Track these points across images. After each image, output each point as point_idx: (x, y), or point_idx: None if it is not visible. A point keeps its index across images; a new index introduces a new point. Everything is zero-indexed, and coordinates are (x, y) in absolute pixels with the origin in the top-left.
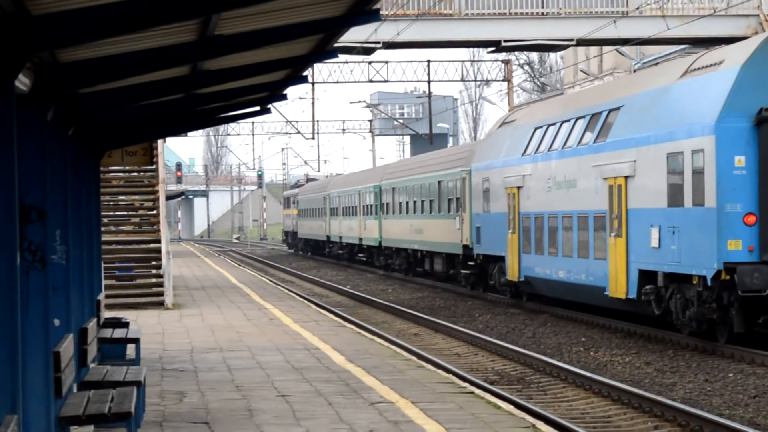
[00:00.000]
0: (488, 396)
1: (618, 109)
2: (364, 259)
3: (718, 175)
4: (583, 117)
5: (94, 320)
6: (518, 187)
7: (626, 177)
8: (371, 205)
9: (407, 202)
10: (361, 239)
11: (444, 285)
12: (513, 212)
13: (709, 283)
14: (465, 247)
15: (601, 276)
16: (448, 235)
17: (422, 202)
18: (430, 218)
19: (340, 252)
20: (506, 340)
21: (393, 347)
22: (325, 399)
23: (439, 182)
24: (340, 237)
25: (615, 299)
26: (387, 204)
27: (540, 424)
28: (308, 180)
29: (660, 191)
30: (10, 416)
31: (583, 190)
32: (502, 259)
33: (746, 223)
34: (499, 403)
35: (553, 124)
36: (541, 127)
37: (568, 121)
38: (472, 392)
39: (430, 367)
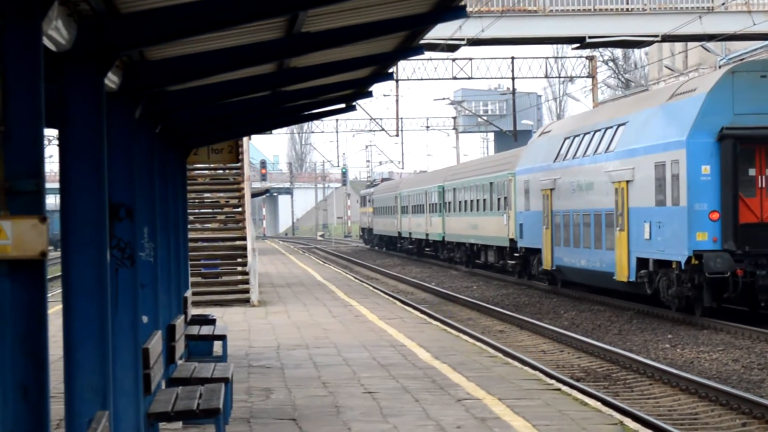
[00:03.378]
0: (575, 393)
1: (624, 124)
2: (433, 253)
3: (689, 180)
4: (599, 130)
5: (182, 317)
6: (551, 189)
7: (627, 181)
8: (436, 204)
9: (466, 201)
10: (427, 234)
11: (527, 282)
12: (547, 211)
13: (683, 267)
14: (511, 240)
15: (610, 263)
16: (497, 230)
17: (477, 201)
18: (483, 215)
19: (410, 246)
20: (592, 337)
21: (479, 344)
22: (411, 396)
23: (491, 183)
24: (410, 233)
25: (620, 282)
26: (449, 202)
27: (627, 421)
28: (383, 180)
29: (650, 193)
30: (101, 412)
31: (597, 192)
32: (539, 251)
33: (711, 219)
34: (586, 399)
35: (579, 135)
36: (569, 137)
37: (589, 133)
38: (559, 389)
39: (516, 363)
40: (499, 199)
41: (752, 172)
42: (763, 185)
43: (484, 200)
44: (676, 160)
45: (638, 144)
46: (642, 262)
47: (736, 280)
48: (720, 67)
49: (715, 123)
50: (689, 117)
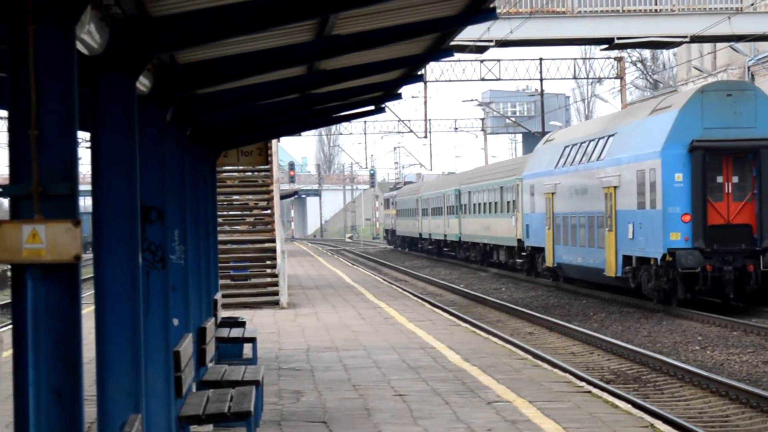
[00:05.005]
0: (605, 395)
1: (613, 135)
2: (452, 253)
3: (664, 186)
4: (593, 140)
5: (212, 320)
6: (552, 193)
7: (615, 187)
8: (453, 206)
9: (479, 204)
10: (445, 235)
11: (555, 283)
12: (549, 213)
13: (659, 263)
14: (519, 240)
15: (601, 260)
16: (507, 230)
17: (489, 203)
18: (495, 217)
19: (430, 247)
20: (622, 339)
21: (508, 346)
22: (441, 398)
23: (501, 187)
24: (430, 234)
25: (609, 277)
26: (465, 205)
27: (658, 424)
28: (405, 183)
29: (633, 197)
30: (134, 416)
31: (591, 196)
32: (543, 249)
33: (683, 220)
34: (617, 402)
35: (576, 144)
36: (568, 146)
37: (585, 142)
38: (589, 391)
39: (546, 366)
40: (508, 202)
41: (720, 179)
42: (729, 191)
43: (495, 203)
44: (653, 169)
45: (624, 153)
46: (627, 259)
47: (705, 274)
48: (749, 68)
49: (686, 136)
50: (664, 130)
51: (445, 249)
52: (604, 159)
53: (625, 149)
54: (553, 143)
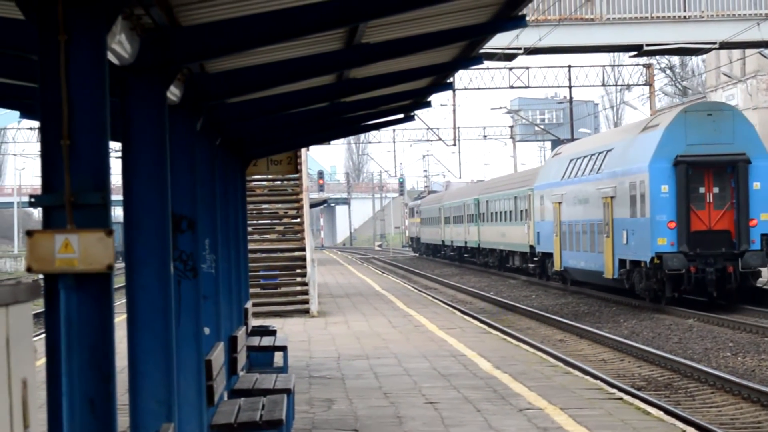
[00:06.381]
0: (637, 402)
1: (610, 150)
2: (473, 259)
3: (651, 197)
4: (594, 154)
5: (243, 328)
6: (559, 203)
7: (611, 197)
8: (473, 215)
9: (496, 212)
10: (466, 242)
11: (587, 290)
12: (556, 221)
13: (649, 265)
14: (531, 246)
15: (601, 264)
16: (520, 237)
17: (504, 212)
18: (510, 225)
19: (452, 253)
20: (652, 346)
21: (539, 353)
22: (473, 406)
23: (515, 197)
24: (452, 241)
25: (608, 279)
26: (483, 213)
27: (690, 430)
28: (429, 192)
29: (626, 207)
30: (166, 425)
31: (592, 206)
32: (552, 255)
33: (669, 227)
34: (649, 409)
35: (580, 157)
36: (573, 159)
37: (587, 156)
38: (621, 398)
39: (577, 373)
40: (521, 211)
41: (702, 190)
42: (711, 200)
43: (510, 212)
44: (643, 181)
45: (619, 167)
46: (622, 262)
47: (690, 275)
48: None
49: (671, 152)
50: (652, 147)
51: (465, 255)
52: (603, 172)
53: (620, 163)
54: (560, 156)
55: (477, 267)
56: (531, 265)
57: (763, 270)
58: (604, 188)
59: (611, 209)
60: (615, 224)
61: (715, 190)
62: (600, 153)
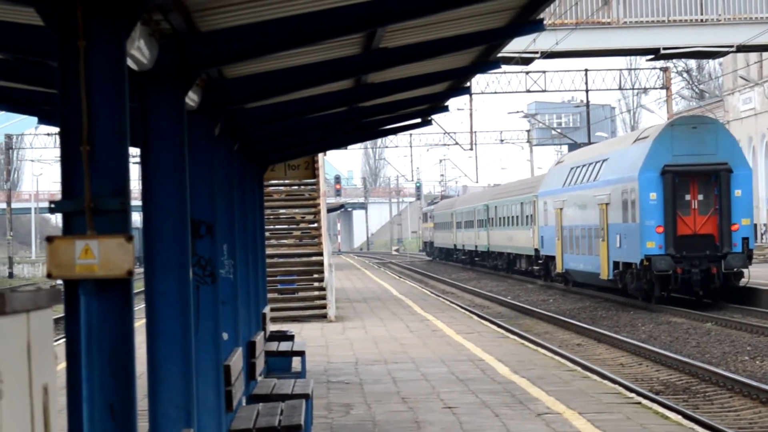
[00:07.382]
0: (655, 406)
1: (606, 159)
2: (484, 263)
3: (641, 203)
4: (592, 163)
5: (261, 333)
6: (560, 208)
7: (606, 204)
8: (483, 219)
9: (504, 217)
10: (476, 246)
11: (606, 294)
12: (558, 225)
13: (639, 267)
14: (536, 250)
15: (597, 266)
16: (526, 241)
17: (511, 217)
18: (516, 229)
19: (463, 257)
20: (670, 350)
21: (557, 358)
22: (491, 410)
23: (521, 203)
24: (463, 245)
25: (604, 280)
26: (492, 218)
27: None
28: (442, 198)
29: (619, 212)
30: (186, 430)
31: (589, 211)
32: (554, 257)
33: (657, 231)
34: (667, 413)
35: (579, 166)
36: (574, 167)
37: (586, 165)
38: (639, 402)
39: (595, 377)
40: (527, 216)
41: (687, 197)
42: (696, 207)
43: (517, 217)
44: (633, 189)
45: (613, 176)
46: (616, 264)
47: (676, 276)
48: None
49: (659, 162)
50: (641, 157)
51: (476, 259)
52: (599, 180)
53: (614, 172)
54: (562, 165)
55: (488, 270)
56: (535, 268)
57: (745, 271)
58: (600, 195)
59: (606, 215)
60: (609, 229)
61: (700, 197)
62: (597, 162)
